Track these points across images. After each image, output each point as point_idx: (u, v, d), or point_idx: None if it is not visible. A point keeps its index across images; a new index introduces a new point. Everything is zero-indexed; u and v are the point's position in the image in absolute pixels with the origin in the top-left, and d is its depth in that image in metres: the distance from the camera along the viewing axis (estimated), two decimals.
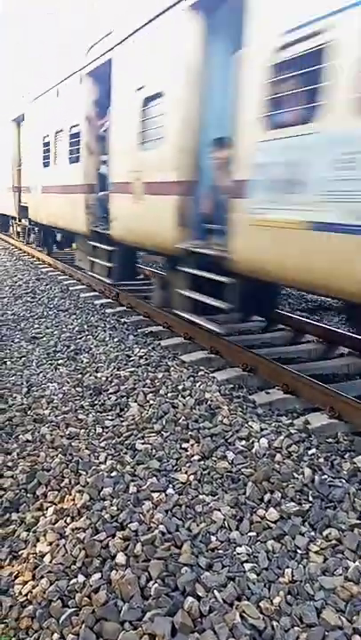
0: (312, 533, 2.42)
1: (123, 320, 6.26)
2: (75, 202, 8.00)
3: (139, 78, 5.76)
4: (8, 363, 4.92)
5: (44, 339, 5.63)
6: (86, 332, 5.78)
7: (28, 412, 3.83)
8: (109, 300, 7.33)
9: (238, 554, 2.32)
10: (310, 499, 2.63)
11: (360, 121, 2.97)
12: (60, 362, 4.90)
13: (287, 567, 2.23)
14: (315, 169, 3.31)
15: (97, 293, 7.85)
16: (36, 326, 6.13)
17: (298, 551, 2.33)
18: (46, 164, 9.75)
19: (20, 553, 2.46)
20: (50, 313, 6.73)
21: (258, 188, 3.87)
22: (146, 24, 5.55)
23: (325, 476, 2.80)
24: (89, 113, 7.51)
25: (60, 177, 8.89)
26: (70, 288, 8.26)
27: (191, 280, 5.05)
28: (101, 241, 7.25)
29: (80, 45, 7.71)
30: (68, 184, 8.30)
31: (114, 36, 6.45)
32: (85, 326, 6.01)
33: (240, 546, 2.37)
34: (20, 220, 13.63)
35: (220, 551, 2.34)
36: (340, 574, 2.17)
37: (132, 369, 4.52)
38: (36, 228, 11.88)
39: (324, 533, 2.42)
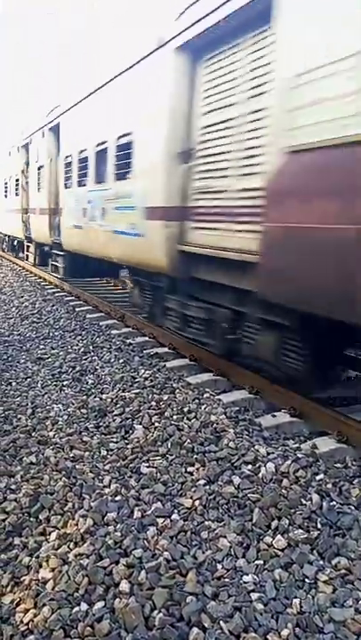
0: (321, 562, 2.37)
1: (128, 341, 6.26)
2: (17, 219, 13.73)
3: (37, 156, 11.54)
4: (13, 383, 4.91)
5: (50, 359, 5.63)
6: (92, 353, 5.78)
7: (33, 434, 3.81)
8: (115, 321, 7.35)
9: (245, 583, 2.26)
10: (319, 526, 2.58)
11: (84, 189, 8.18)
12: (65, 383, 4.88)
13: (295, 597, 2.17)
14: (73, 204, 8.74)
15: (103, 314, 7.87)
16: (42, 347, 6.14)
17: (306, 581, 2.27)
18: (5, 196, 15.85)
19: (22, 579, 2.41)
20: (56, 334, 6.75)
21: (65, 211, 9.44)
22: (36, 131, 11.58)
23: (334, 503, 2.75)
24: (23, 168, 13.15)
25: (11, 204, 14.78)
26: (77, 309, 8.29)
27: (58, 256, 10.55)
28: (30, 241, 13.19)
29: (20, 128, 13.67)
30: (15, 208, 14.21)
31: (29, 130, 12.26)
32: (91, 347, 6.01)
33: (247, 574, 2.31)
34: None
35: (227, 580, 2.29)
36: (351, 606, 2.11)
37: (138, 390, 4.50)
38: (6, 238, 17.69)
39: (333, 562, 2.36)
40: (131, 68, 6.27)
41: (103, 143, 7.23)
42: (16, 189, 13.91)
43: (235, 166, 4.47)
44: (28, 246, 13.55)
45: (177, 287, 5.64)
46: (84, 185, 8.19)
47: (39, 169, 11.23)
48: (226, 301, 4.82)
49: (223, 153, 4.64)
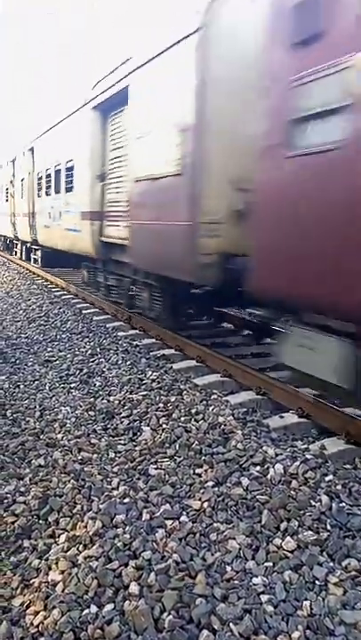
0: (331, 564, 2.35)
1: (135, 343, 6.26)
2: (8, 221, 16.60)
3: (20, 171, 14.45)
4: (21, 386, 4.93)
5: (57, 362, 5.65)
6: (99, 356, 5.79)
7: (41, 437, 3.82)
8: (122, 323, 7.36)
9: (254, 585, 2.26)
10: (328, 527, 2.56)
11: (49, 197, 11.17)
12: (72, 385, 4.90)
13: (305, 599, 2.16)
14: (43, 209, 11.71)
15: (109, 316, 7.89)
16: (50, 349, 6.17)
17: (316, 582, 2.25)
18: None
19: (31, 582, 2.42)
20: (63, 336, 6.77)
21: (38, 214, 12.33)
22: (20, 151, 14.67)
23: (343, 504, 2.73)
24: (11, 179, 16.21)
25: (3, 209, 17.67)
26: (83, 311, 8.31)
27: (36, 250, 13.55)
28: (17, 240, 16.17)
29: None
30: (5, 212, 17.12)
31: (16, 149, 15.53)
32: (98, 349, 6.03)
33: (256, 576, 2.30)
34: None
35: (236, 582, 2.28)
36: None
37: (145, 392, 4.50)
38: (1, 238, 20.27)
39: (344, 564, 2.35)
40: (71, 114, 9.38)
41: (59, 164, 10.23)
42: (6, 197, 17.21)
43: (123, 186, 7.01)
44: (16, 244, 17.12)
45: (103, 266, 8.44)
46: (49, 194, 11.20)
47: (21, 180, 14.51)
48: (127, 273, 7.27)
49: (119, 177, 7.26)
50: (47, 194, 11.30)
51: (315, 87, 3.46)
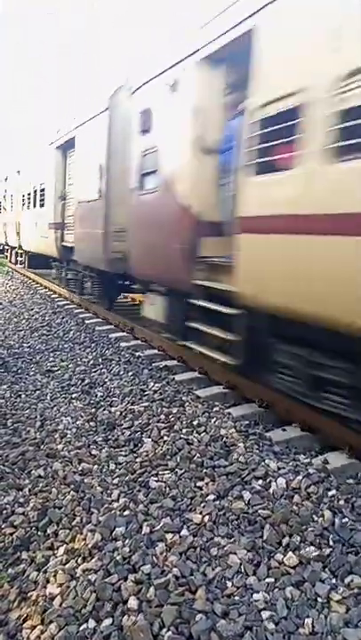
0: (333, 580, 2.31)
1: (137, 354, 6.25)
2: (1, 230, 19.63)
3: (10, 188, 18.01)
4: (23, 396, 4.91)
5: (59, 372, 5.63)
6: (101, 366, 5.78)
7: (41, 447, 3.80)
8: (124, 334, 7.36)
9: (255, 601, 2.22)
10: (331, 543, 2.52)
11: (30, 211, 14.18)
12: (74, 395, 4.88)
13: (307, 617, 2.12)
14: (26, 220, 14.78)
15: (112, 327, 7.89)
16: (52, 359, 6.15)
17: (318, 599, 2.21)
18: None
19: (29, 595, 2.39)
20: (65, 346, 6.76)
21: (22, 225, 15.52)
22: (10, 172, 18.18)
23: (346, 520, 2.69)
24: (4, 195, 19.10)
25: None
26: (86, 321, 8.32)
27: (25, 255, 16.56)
28: (8, 245, 19.23)
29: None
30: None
31: (7, 169, 18.80)
32: (100, 360, 6.02)
33: (257, 592, 2.26)
34: None
35: (237, 597, 2.24)
36: None
37: (147, 403, 4.48)
38: None
39: (346, 581, 2.31)
40: (43, 150, 12.18)
41: (36, 186, 13.20)
42: (0, 210, 20.46)
43: (75, 204, 9.55)
44: (7, 249, 20.23)
45: (66, 264, 11.17)
46: (30, 208, 14.09)
47: (11, 196, 17.61)
48: (79, 269, 9.97)
49: (72, 198, 10.03)
50: (28, 208, 14.35)
51: (148, 158, 6.13)
